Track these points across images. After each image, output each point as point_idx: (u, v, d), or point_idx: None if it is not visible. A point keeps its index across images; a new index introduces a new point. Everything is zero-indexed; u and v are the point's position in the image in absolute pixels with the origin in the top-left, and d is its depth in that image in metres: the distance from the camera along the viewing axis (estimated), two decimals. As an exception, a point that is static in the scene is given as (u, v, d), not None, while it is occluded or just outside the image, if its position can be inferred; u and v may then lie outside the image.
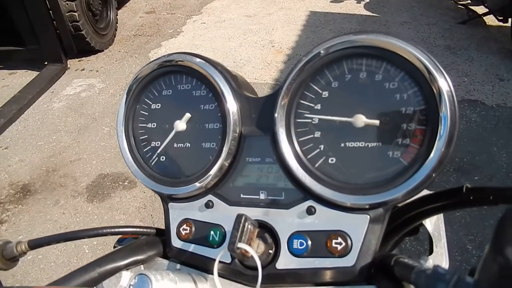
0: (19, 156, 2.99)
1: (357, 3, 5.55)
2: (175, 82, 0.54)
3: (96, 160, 2.91)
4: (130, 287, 0.41)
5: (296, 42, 4.44)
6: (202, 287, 0.47)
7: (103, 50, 4.62)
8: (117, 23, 5.05)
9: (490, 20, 4.54)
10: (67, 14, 4.03)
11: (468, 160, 2.66)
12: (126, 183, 2.69)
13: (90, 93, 3.79)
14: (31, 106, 3.56)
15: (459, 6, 5.05)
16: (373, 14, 5.14)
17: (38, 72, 4.04)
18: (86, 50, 4.41)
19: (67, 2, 4.02)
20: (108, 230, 0.57)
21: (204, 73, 0.51)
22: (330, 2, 5.63)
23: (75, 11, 4.06)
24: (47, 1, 3.77)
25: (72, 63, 4.34)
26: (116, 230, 0.57)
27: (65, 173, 2.82)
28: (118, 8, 5.37)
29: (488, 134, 2.89)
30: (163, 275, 0.43)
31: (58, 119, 3.40)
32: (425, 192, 0.50)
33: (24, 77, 4.12)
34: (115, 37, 4.95)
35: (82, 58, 4.44)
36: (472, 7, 4.75)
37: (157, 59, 0.55)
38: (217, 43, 4.59)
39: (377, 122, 0.46)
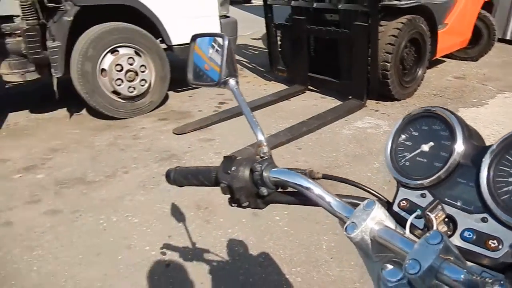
0: (306, 157, 3.66)
1: None
2: (431, 122, 0.79)
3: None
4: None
5: None
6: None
7: (400, 100, 4.95)
8: (422, 80, 5.30)
9: None
10: (381, 63, 4.60)
11: None
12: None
13: (375, 131, 4.16)
14: (327, 126, 4.27)
15: None
16: None
17: (341, 102, 4.80)
18: (385, 95, 4.86)
19: (385, 53, 4.58)
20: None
21: (450, 122, 0.74)
22: None
23: (388, 62, 4.59)
24: (369, 50, 4.45)
25: (369, 103, 4.88)
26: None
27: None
28: (428, 67, 5.61)
29: None
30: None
31: (342, 142, 3.93)
32: None
33: (329, 102, 4.98)
34: (415, 91, 5.21)
35: (379, 102, 4.92)
36: None
37: (424, 107, 0.79)
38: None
39: None
